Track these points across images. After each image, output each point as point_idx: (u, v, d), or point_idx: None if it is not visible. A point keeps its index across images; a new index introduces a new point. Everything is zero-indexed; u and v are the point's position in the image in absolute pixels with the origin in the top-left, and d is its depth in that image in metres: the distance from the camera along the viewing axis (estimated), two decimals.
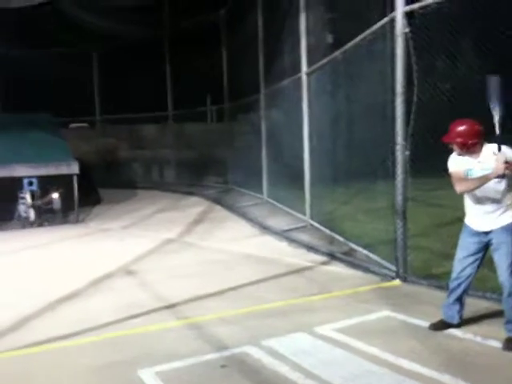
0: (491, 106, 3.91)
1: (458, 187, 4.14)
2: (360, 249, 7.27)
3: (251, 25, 12.80)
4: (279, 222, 10.09)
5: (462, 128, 4.10)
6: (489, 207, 4.12)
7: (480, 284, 4.96)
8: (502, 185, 4.03)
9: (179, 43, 17.57)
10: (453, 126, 4.17)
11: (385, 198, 6.64)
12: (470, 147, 4.09)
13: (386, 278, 6.13)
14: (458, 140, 4.11)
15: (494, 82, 3.90)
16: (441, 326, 4.44)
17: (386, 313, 4.96)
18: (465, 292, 4.38)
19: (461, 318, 4.43)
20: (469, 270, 4.29)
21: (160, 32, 18.22)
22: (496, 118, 3.90)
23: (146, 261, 7.87)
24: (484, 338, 4.17)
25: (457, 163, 4.21)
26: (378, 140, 6.89)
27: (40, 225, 12.42)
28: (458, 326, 4.42)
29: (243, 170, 14.52)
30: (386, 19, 6.15)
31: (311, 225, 9.37)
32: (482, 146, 4.10)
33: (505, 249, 4.06)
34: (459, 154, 4.19)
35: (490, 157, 4.01)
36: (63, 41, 17.80)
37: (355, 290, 5.80)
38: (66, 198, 12.64)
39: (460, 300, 4.39)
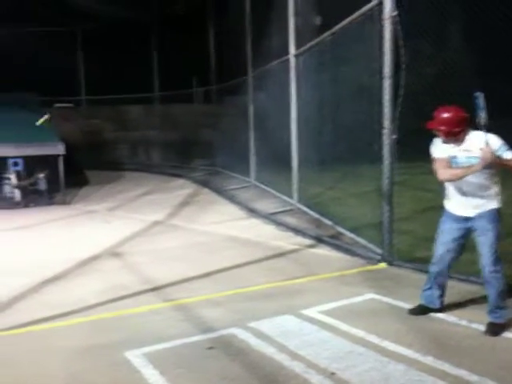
0: (478, 114, 3.87)
1: (443, 175, 4.09)
2: (347, 232, 7.31)
3: (239, 6, 12.66)
4: (266, 205, 10.10)
5: (446, 115, 4.04)
6: (472, 195, 4.10)
7: (465, 267, 5.02)
8: (486, 174, 4.01)
9: (166, 24, 17.35)
10: (437, 112, 4.11)
11: (372, 182, 6.66)
12: (455, 135, 4.05)
13: (371, 261, 6.18)
14: (442, 128, 4.05)
15: (480, 98, 3.87)
16: (419, 310, 4.46)
17: (371, 295, 5.01)
18: (445, 277, 4.40)
19: (442, 303, 4.44)
20: (450, 256, 4.29)
21: (148, 13, 17.96)
22: (481, 120, 3.87)
23: (133, 243, 7.85)
24: (468, 322, 4.22)
25: (441, 150, 4.16)
26: (366, 123, 6.89)
27: (26, 206, 12.30)
28: (438, 310, 4.44)
29: (231, 152, 14.47)
30: (374, 2, 6.12)
31: (298, 208, 9.39)
32: (466, 133, 4.05)
33: (489, 236, 4.04)
34: (443, 142, 4.14)
35: (474, 145, 3.98)
36: (48, 19, 17.46)
37: (341, 273, 5.84)
38: (52, 179, 12.53)
39: (441, 285, 4.40)
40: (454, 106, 4.12)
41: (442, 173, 4.10)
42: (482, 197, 4.09)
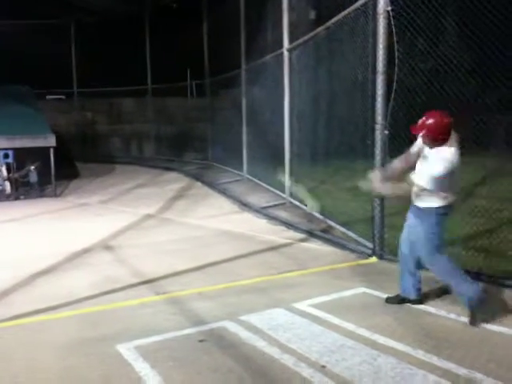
0: None
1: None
2: (338, 226, 7.34)
3: None
4: (259, 199, 10.11)
5: (430, 121, 4.04)
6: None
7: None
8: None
9: (160, 17, 17.27)
10: (424, 118, 4.09)
11: (364, 177, 6.67)
12: (436, 140, 4.05)
13: (362, 255, 6.22)
14: (426, 133, 4.06)
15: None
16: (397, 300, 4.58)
17: (362, 289, 5.04)
18: (418, 266, 4.50)
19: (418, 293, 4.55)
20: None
21: (141, 5, 17.86)
22: None
23: (125, 236, 7.84)
24: (457, 315, 4.26)
25: (416, 144, 4.31)
26: (359, 118, 6.91)
27: (16, 198, 12.26)
28: (417, 302, 4.53)
29: (224, 146, 14.47)
30: None
31: (290, 202, 9.41)
32: (446, 142, 4.04)
33: (420, 229, 4.29)
34: (424, 143, 4.19)
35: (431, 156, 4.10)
36: (41, 12, 17.32)
37: (332, 267, 5.87)
38: (43, 171, 12.48)
39: (413, 273, 4.52)
40: (440, 111, 4.13)
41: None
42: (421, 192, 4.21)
